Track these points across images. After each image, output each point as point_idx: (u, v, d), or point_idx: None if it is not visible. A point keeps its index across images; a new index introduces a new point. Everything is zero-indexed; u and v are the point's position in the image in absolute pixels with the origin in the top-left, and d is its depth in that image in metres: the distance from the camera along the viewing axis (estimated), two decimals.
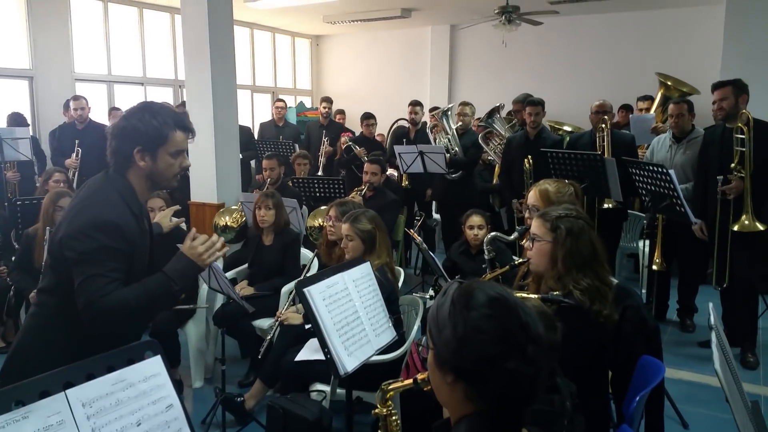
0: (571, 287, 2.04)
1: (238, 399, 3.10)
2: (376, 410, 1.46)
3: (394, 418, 1.44)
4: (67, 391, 1.13)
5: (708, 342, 4.14)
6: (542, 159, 4.14)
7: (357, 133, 7.06)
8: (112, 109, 7.02)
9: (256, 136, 7.43)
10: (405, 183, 5.78)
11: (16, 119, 5.96)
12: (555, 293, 1.97)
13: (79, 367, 1.19)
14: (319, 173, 6.52)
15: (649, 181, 3.52)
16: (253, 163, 7.36)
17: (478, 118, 6.00)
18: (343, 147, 6.46)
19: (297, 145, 6.80)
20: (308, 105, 10.42)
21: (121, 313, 1.77)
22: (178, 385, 3.57)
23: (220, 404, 3.01)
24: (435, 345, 1.10)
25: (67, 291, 1.80)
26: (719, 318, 1.80)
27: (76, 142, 5.44)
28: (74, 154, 5.41)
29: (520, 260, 2.30)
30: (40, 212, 3.61)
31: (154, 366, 1.28)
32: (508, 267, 2.39)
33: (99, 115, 6.50)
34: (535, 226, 2.19)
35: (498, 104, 5.73)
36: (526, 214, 2.77)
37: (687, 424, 3.21)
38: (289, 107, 9.70)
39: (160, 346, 1.33)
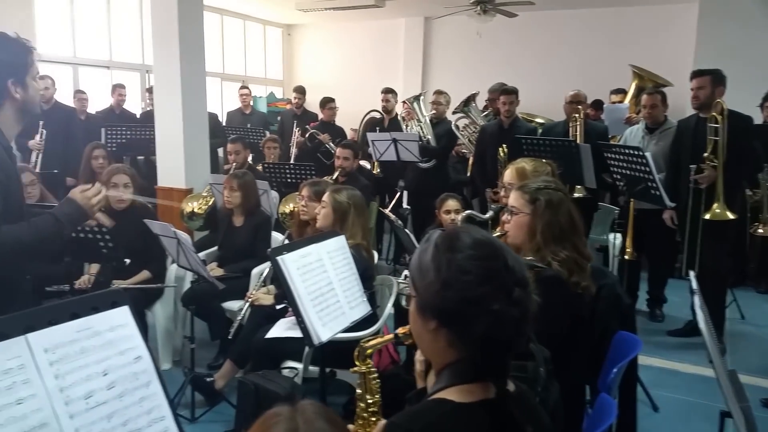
0: (549, 259, 2.02)
1: (208, 379, 3.01)
2: (355, 368, 1.41)
3: (373, 375, 1.39)
4: (28, 335, 1.06)
5: (677, 331, 4.24)
6: (516, 147, 4.15)
7: None
8: (77, 92, 6.79)
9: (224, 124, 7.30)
10: (376, 171, 5.72)
11: None
12: (530, 258, 1.95)
13: (40, 312, 1.12)
14: (291, 162, 6.42)
15: (625, 165, 3.55)
16: (221, 151, 7.21)
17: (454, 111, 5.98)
18: (306, 136, 6.39)
19: (267, 132, 6.69)
20: (279, 95, 10.29)
21: (11, 249, 1.78)
22: None
23: (189, 384, 2.92)
24: (417, 291, 1.07)
25: None
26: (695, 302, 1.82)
27: (41, 123, 5.23)
28: (38, 135, 5.20)
29: (497, 233, 2.27)
30: None
31: (121, 316, 1.21)
32: None
33: (63, 98, 6.25)
34: (513, 198, 2.17)
35: (474, 92, 5.72)
36: (502, 193, 2.76)
37: (657, 407, 3.25)
38: (260, 97, 9.56)
39: (127, 297, 1.26)
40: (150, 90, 6.79)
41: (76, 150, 5.36)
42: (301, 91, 7.22)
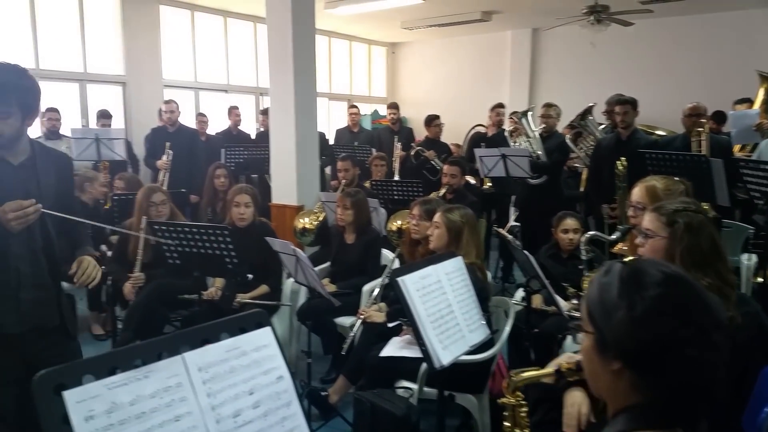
0: None
1: (323, 393, 3.07)
2: (504, 399, 1.35)
3: (523, 409, 1.32)
4: (185, 354, 1.11)
5: None
6: (637, 160, 3.92)
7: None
8: (198, 115, 7.29)
9: (331, 143, 7.51)
10: (487, 185, 5.60)
11: (103, 114, 6.30)
12: None
13: (194, 332, 1.17)
14: (396, 178, 6.47)
15: (764, 182, 3.24)
16: (327, 169, 7.41)
17: (570, 124, 5.76)
18: (412, 153, 6.41)
19: (374, 150, 6.80)
20: (383, 113, 10.47)
21: None
22: None
23: (305, 397, 2.99)
24: (598, 329, 0.99)
25: None
26: None
27: (167, 144, 5.64)
28: (165, 156, 5.60)
29: (630, 258, 2.14)
30: (135, 207, 3.76)
31: (265, 336, 1.25)
32: None
33: (186, 120, 6.72)
34: (648, 220, 2.04)
35: (591, 104, 5.49)
36: (630, 212, 2.60)
37: None
38: (365, 115, 9.78)
39: (269, 318, 1.30)
40: (264, 112, 7.14)
41: (198, 169, 5.74)
42: (395, 106, 7.31)
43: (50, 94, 6.59)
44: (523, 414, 1.32)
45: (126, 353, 1.07)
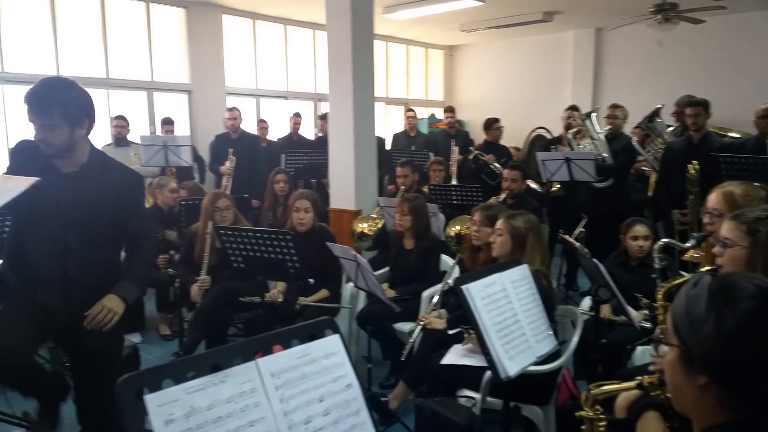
0: None
1: (383, 399, 3.06)
2: (582, 412, 1.30)
3: (602, 423, 1.28)
4: (258, 360, 1.13)
5: None
6: (710, 164, 3.74)
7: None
8: (259, 121, 7.46)
9: (388, 147, 7.51)
10: (556, 187, 5.44)
11: (166, 120, 6.54)
12: None
13: (266, 338, 1.19)
14: (453, 182, 6.40)
15: None
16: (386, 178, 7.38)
17: (638, 126, 5.55)
18: (470, 157, 6.33)
19: (431, 154, 6.77)
20: (440, 116, 10.43)
21: None
22: None
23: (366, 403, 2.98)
24: (684, 342, 0.96)
25: None
26: None
27: (230, 150, 5.78)
28: (228, 162, 5.75)
29: (708, 268, 2.03)
30: (201, 212, 3.87)
31: (334, 343, 1.26)
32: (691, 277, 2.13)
33: (247, 126, 6.88)
34: (727, 228, 1.93)
35: (659, 105, 5.27)
36: (706, 219, 2.48)
37: None
38: (422, 118, 9.75)
39: (337, 325, 1.30)
40: (323, 117, 7.23)
41: (259, 174, 5.86)
42: (451, 110, 7.25)
43: (119, 102, 6.92)
44: (601, 428, 1.28)
45: (202, 358, 1.09)
